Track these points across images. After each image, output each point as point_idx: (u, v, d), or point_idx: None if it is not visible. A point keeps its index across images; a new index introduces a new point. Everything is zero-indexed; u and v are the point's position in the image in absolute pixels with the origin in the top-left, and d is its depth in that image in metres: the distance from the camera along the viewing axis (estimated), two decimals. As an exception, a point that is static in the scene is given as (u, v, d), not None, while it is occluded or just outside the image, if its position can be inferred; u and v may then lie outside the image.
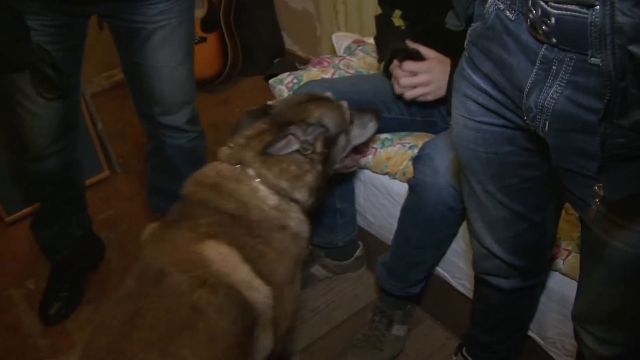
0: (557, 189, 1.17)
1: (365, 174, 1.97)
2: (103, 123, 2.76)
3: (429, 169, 1.57)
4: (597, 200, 0.85)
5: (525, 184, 1.15)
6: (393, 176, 1.86)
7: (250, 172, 1.43)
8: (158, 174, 2.11)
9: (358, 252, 2.13)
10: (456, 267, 1.79)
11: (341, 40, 2.40)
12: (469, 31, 1.05)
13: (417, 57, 1.72)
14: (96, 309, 2.19)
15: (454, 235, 1.72)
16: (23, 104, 1.73)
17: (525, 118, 0.95)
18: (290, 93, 2.04)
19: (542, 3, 0.83)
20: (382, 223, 2.01)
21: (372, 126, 1.65)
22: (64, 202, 2.10)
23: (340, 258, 2.11)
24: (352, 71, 2.11)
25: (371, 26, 2.75)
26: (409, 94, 1.72)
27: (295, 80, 2.08)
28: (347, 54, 2.25)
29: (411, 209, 1.68)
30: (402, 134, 1.89)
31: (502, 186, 1.16)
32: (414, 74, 1.70)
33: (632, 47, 0.69)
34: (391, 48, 1.79)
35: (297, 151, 1.45)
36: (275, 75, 2.23)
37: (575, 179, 0.95)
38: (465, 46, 1.08)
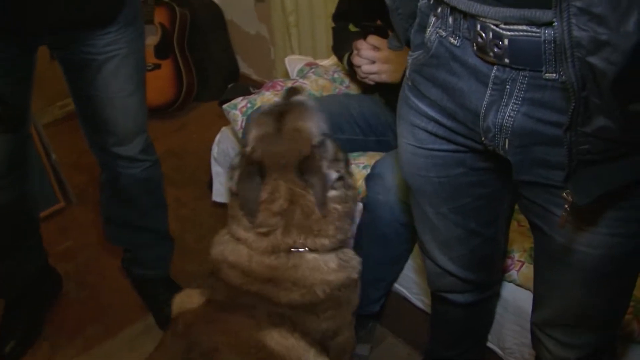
0: (507, 202, 1.20)
1: (321, 195, 1.98)
2: (57, 153, 2.72)
3: (380, 188, 1.60)
4: (567, 206, 0.87)
5: (477, 202, 1.18)
6: (348, 196, 1.88)
7: (301, 249, 1.26)
8: (113, 204, 2.08)
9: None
10: (414, 284, 1.82)
11: (294, 63, 2.43)
12: (409, 60, 1.07)
13: (383, 35, 1.75)
14: (53, 345, 2.15)
15: (409, 250, 1.75)
16: None
17: (482, 139, 0.97)
18: (244, 118, 2.04)
19: (492, 26, 0.85)
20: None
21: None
22: (16, 237, 2.03)
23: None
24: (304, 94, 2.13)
25: (323, 49, 2.81)
26: (366, 68, 1.75)
27: (248, 105, 2.09)
28: (300, 76, 2.27)
29: (366, 228, 1.71)
30: (356, 154, 1.92)
31: (455, 207, 1.19)
32: (376, 49, 1.73)
33: (590, 59, 0.72)
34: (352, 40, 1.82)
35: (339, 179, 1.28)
36: (229, 100, 2.23)
37: (539, 190, 0.99)
38: (407, 75, 1.09)
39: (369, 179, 1.66)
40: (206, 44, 3.47)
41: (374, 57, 1.73)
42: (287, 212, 1.25)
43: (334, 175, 1.27)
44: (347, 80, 2.23)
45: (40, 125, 2.64)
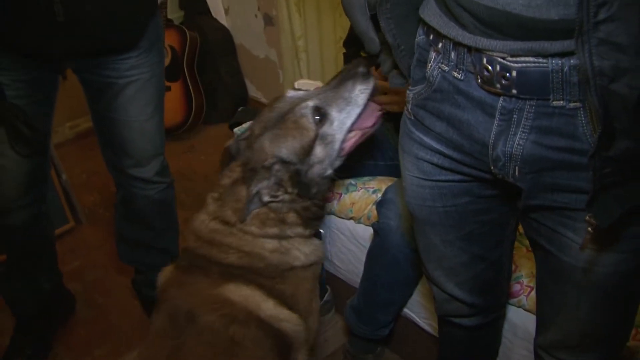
0: (512, 226, 1.23)
1: (331, 219, 2.01)
2: (67, 173, 2.75)
3: (392, 213, 1.61)
4: (590, 229, 0.88)
5: (483, 228, 1.19)
6: (358, 220, 1.90)
7: (237, 229, 1.41)
8: (127, 224, 2.10)
9: (326, 297, 2.15)
10: (423, 308, 1.83)
11: (303, 87, 2.45)
12: (410, 95, 1.09)
13: None
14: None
15: (419, 276, 1.76)
16: None
17: (492, 168, 0.99)
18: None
19: (499, 59, 0.87)
20: (348, 267, 2.03)
21: (359, 91, 1.42)
22: (32, 256, 2.05)
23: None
24: (315, 118, 2.15)
25: (332, 73, 2.83)
26: (378, 100, 1.75)
27: (259, 129, 2.11)
28: (310, 101, 2.30)
29: (377, 252, 1.72)
30: (366, 178, 1.94)
31: (461, 234, 1.21)
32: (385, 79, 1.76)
33: (612, 86, 0.74)
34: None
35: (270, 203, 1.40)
36: (240, 123, 2.26)
37: (548, 213, 1.00)
38: (409, 109, 1.10)
39: (380, 204, 1.68)
40: (216, 67, 3.51)
41: (385, 89, 1.75)
42: (225, 191, 1.44)
43: (264, 197, 1.39)
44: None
45: (51, 145, 2.66)
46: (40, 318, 2.18)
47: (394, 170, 1.95)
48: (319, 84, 2.49)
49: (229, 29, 3.53)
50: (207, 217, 1.45)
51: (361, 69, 1.41)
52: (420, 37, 1.05)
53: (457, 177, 1.10)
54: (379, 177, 1.95)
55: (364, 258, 1.93)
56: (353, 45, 2.02)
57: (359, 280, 1.98)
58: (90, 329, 2.30)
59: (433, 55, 1.01)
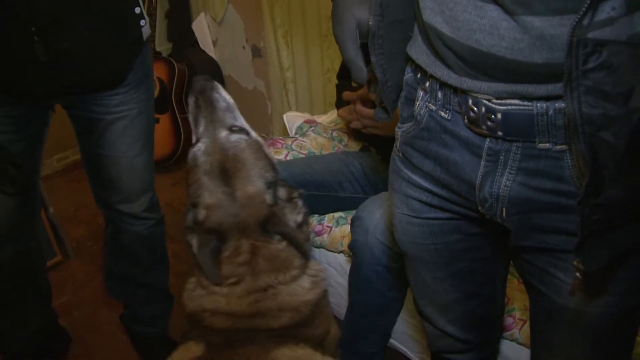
0: (503, 262, 1.23)
1: (321, 253, 2.00)
2: (55, 206, 2.73)
3: (360, 229, 1.64)
4: (578, 274, 0.88)
5: (474, 265, 1.19)
6: (348, 254, 1.90)
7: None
8: (115, 259, 2.08)
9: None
10: (415, 342, 1.82)
11: (292, 120, 2.47)
12: (399, 132, 1.09)
13: None
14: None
15: (398, 300, 1.75)
16: None
17: (479, 208, 0.99)
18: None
19: (485, 102, 0.88)
20: (338, 300, 2.02)
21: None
22: (20, 293, 2.00)
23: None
24: (304, 152, 2.16)
25: (320, 104, 2.86)
26: (357, 124, 1.82)
27: (249, 162, 2.11)
28: (299, 134, 2.31)
29: (352, 273, 1.75)
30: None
31: (452, 272, 1.20)
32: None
33: (601, 134, 0.74)
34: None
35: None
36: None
37: (537, 254, 1.00)
38: (397, 147, 1.11)
39: (351, 223, 1.71)
40: (204, 98, 3.51)
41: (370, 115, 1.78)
42: (251, 262, 1.30)
43: (299, 218, 1.33)
44: (345, 139, 2.28)
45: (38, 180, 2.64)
46: (27, 356, 2.13)
47: (384, 204, 1.96)
48: (307, 116, 2.51)
49: (217, 60, 3.55)
50: (232, 296, 1.31)
51: None
52: (408, 75, 1.05)
53: (446, 215, 1.10)
54: (370, 210, 1.96)
55: (355, 292, 1.93)
56: (346, 77, 2.04)
57: (349, 315, 1.98)
58: (77, 365, 2.26)
59: (421, 93, 1.01)
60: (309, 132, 2.27)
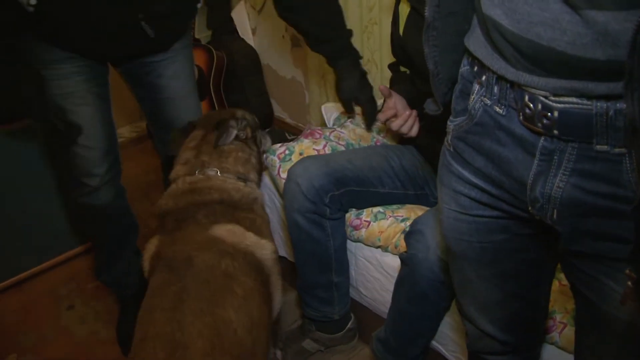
0: (550, 266, 1.18)
1: (357, 247, 1.98)
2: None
3: (420, 245, 1.58)
4: (630, 283, 0.83)
5: (520, 267, 1.15)
6: (385, 249, 1.87)
7: (211, 172, 1.75)
8: None
9: (350, 324, 2.11)
10: (450, 340, 1.78)
11: (330, 111, 2.44)
12: (451, 126, 1.06)
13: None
14: None
15: (447, 308, 1.72)
16: (80, 142, 1.89)
17: (530, 209, 0.96)
18: (282, 163, 2.05)
19: (542, 98, 0.84)
20: (374, 295, 2.00)
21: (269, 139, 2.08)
22: (124, 233, 2.18)
23: (333, 331, 2.09)
24: (342, 143, 2.13)
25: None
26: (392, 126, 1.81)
27: (287, 151, 2.09)
28: (337, 125, 2.28)
29: (405, 284, 1.68)
30: (395, 206, 1.92)
31: (497, 271, 1.17)
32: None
33: None
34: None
35: (236, 138, 1.83)
36: (266, 145, 2.24)
37: (588, 260, 0.96)
38: (448, 141, 1.08)
39: (408, 235, 1.64)
40: (242, 87, 3.51)
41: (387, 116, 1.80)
42: (198, 146, 1.82)
43: (233, 132, 1.83)
44: (383, 131, 2.24)
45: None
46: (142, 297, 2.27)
47: (423, 199, 1.92)
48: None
49: (256, 49, 3.53)
50: (180, 181, 1.75)
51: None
52: (464, 68, 1.02)
53: (495, 213, 1.06)
54: (408, 205, 1.93)
55: (390, 287, 1.90)
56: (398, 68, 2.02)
57: (384, 309, 1.94)
58: (111, 350, 2.27)
59: (476, 87, 0.98)
60: (347, 123, 2.23)
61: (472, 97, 0.98)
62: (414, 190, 1.92)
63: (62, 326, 2.40)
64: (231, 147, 1.82)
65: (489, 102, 0.95)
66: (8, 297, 2.55)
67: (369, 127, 2.16)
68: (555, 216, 0.92)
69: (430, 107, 1.13)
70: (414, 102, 1.84)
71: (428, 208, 1.93)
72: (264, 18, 3.40)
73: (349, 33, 2.02)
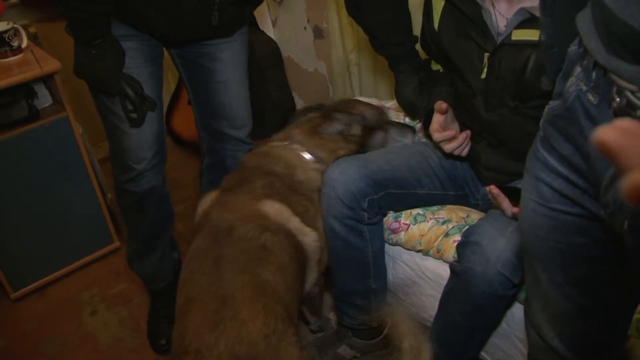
0: (635, 283, 1.07)
1: (395, 250, 1.88)
2: (112, 192, 2.66)
3: (478, 258, 1.46)
4: None
5: (598, 278, 1.05)
6: (426, 253, 1.77)
7: (295, 145, 1.83)
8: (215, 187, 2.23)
9: (387, 330, 2.01)
10: (498, 349, 1.69)
11: (360, 105, 2.33)
12: (546, 109, 0.97)
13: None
14: None
15: (500, 320, 1.61)
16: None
17: (602, 212, 0.86)
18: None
19: (628, 93, 0.74)
20: (413, 301, 1.90)
21: (409, 137, 2.00)
22: (162, 224, 2.16)
23: (370, 337, 2.00)
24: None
25: (386, 89, 2.71)
26: (449, 147, 1.70)
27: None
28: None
29: (457, 296, 1.57)
30: (434, 207, 1.81)
31: (571, 278, 1.06)
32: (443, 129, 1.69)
33: None
34: (425, 106, 1.82)
35: (340, 132, 1.86)
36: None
37: None
38: (540, 124, 0.99)
39: (463, 246, 1.53)
40: (263, 80, 3.40)
41: (443, 137, 1.68)
42: (302, 122, 1.94)
43: (338, 126, 1.87)
44: (418, 125, 2.13)
45: (95, 161, 2.59)
46: (174, 289, 2.26)
47: (463, 200, 1.82)
48: (376, 102, 2.37)
49: (277, 41, 3.42)
50: (268, 144, 1.88)
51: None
52: (573, 47, 0.91)
53: (577, 210, 0.96)
54: (448, 206, 1.82)
55: (431, 292, 1.80)
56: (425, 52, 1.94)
57: (424, 315, 1.85)
58: (136, 358, 2.20)
59: (577, 70, 0.88)
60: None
61: (571, 79, 0.89)
62: (454, 190, 1.81)
63: (85, 333, 2.33)
64: (328, 137, 1.86)
65: (584, 87, 0.85)
66: (30, 303, 2.50)
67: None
68: (625, 226, 0.83)
69: (544, 81, 1.05)
70: (455, 104, 1.74)
71: (469, 208, 1.83)
72: (284, 9, 3.29)
73: (415, 39, 1.98)
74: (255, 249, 1.53)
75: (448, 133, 1.66)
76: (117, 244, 2.70)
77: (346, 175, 1.72)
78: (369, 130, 1.91)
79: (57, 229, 2.49)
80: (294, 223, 1.66)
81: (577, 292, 1.08)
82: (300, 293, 1.65)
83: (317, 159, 1.82)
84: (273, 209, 1.63)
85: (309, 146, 1.83)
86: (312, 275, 1.76)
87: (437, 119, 1.69)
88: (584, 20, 0.85)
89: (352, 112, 1.89)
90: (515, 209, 1.43)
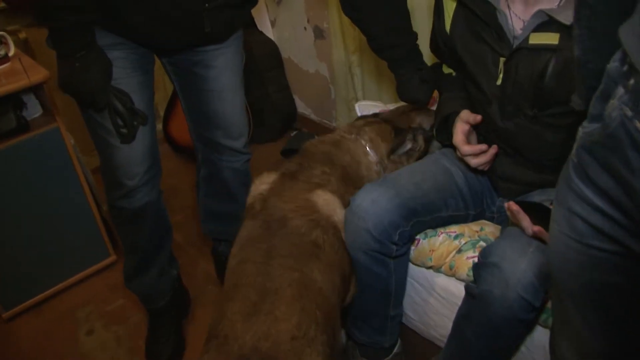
0: None
1: (404, 266, 1.77)
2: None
3: (497, 280, 1.35)
4: None
5: (636, 319, 0.94)
6: (438, 269, 1.67)
7: (364, 142, 1.82)
8: (212, 199, 2.19)
9: (397, 349, 1.91)
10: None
11: (366, 110, 2.23)
12: (580, 132, 0.85)
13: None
14: None
15: (521, 343, 1.51)
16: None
17: None
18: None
19: None
20: (423, 319, 1.80)
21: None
22: (159, 240, 2.04)
23: (379, 356, 1.89)
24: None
25: (390, 91, 2.61)
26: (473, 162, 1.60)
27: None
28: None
29: (474, 319, 1.45)
30: (449, 224, 1.71)
31: (607, 318, 0.94)
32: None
33: None
34: (442, 113, 1.71)
35: (406, 152, 1.86)
36: (294, 150, 2.07)
37: None
38: (574, 151, 0.87)
39: (480, 267, 1.42)
40: (262, 82, 3.31)
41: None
42: (370, 122, 1.92)
43: (408, 145, 1.87)
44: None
45: (89, 173, 2.49)
46: (173, 308, 2.19)
47: (480, 217, 1.72)
48: (381, 105, 2.27)
49: (276, 42, 3.32)
50: (338, 131, 1.89)
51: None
52: (613, 64, 0.79)
53: (615, 247, 0.84)
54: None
55: (442, 311, 1.71)
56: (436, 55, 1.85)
57: (435, 334, 1.76)
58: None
59: (620, 91, 0.76)
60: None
61: (612, 101, 0.77)
62: (474, 209, 1.70)
63: (82, 354, 2.22)
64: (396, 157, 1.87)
65: (630, 113, 0.73)
66: (25, 321, 2.39)
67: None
68: None
69: (575, 99, 0.92)
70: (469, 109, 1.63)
71: (483, 221, 1.73)
72: (283, 9, 3.18)
73: (414, 37, 1.89)
74: (306, 245, 1.52)
75: (479, 147, 1.55)
76: (113, 257, 2.60)
77: (378, 207, 1.59)
78: (428, 141, 1.93)
79: (50, 244, 2.39)
80: (338, 215, 1.64)
81: (612, 333, 0.96)
82: (343, 298, 1.63)
83: (379, 158, 1.83)
84: (323, 199, 1.63)
85: (376, 142, 1.83)
86: (353, 289, 1.70)
87: (462, 129, 1.58)
88: (629, 34, 0.73)
89: (414, 127, 1.89)
90: (536, 228, 1.32)
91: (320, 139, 1.85)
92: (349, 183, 1.72)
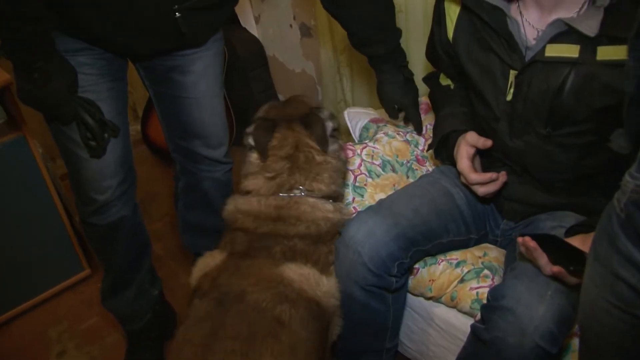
0: None
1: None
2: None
3: (511, 327, 1.21)
4: None
5: None
6: (437, 300, 1.54)
7: (299, 192, 1.51)
8: (192, 211, 2.06)
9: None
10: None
11: (355, 117, 2.08)
12: (631, 184, 0.73)
13: None
14: None
15: None
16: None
17: None
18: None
19: None
20: (420, 348, 1.68)
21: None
22: (136, 257, 1.90)
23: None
24: (377, 162, 1.78)
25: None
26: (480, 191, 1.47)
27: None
28: (366, 136, 1.94)
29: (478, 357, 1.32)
30: (448, 249, 1.57)
31: None
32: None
33: None
34: (441, 131, 1.58)
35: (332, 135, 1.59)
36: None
37: None
38: (621, 205, 0.75)
39: (491, 310, 1.27)
40: (245, 81, 3.15)
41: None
42: (292, 157, 1.53)
43: (330, 124, 1.59)
44: (422, 141, 1.89)
45: (59, 182, 2.33)
46: (154, 328, 2.05)
47: (483, 241, 1.60)
48: (372, 112, 2.12)
49: (260, 39, 3.16)
50: (262, 197, 1.51)
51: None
52: None
53: None
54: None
55: (442, 342, 1.59)
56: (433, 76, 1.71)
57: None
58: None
59: None
60: (380, 135, 1.87)
61: None
62: (477, 233, 1.57)
63: (52, 378, 2.08)
64: (329, 156, 1.56)
65: None
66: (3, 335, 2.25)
67: (419, 130, 1.91)
68: None
69: (617, 141, 0.78)
70: (473, 127, 1.50)
71: (485, 245, 1.60)
72: (268, 5, 3.03)
73: (397, 35, 1.78)
74: (264, 322, 1.32)
75: (488, 176, 1.42)
76: (87, 271, 2.44)
77: (374, 239, 1.45)
78: (333, 117, 1.68)
79: (19, 258, 2.24)
80: (324, 286, 1.43)
81: None
82: (324, 354, 1.47)
83: (333, 195, 1.55)
84: (298, 274, 1.41)
85: (319, 189, 1.52)
86: (336, 328, 1.53)
87: (467, 153, 1.45)
88: None
89: (312, 105, 1.65)
90: (556, 268, 1.18)
91: (249, 214, 1.53)
92: (320, 244, 1.50)
